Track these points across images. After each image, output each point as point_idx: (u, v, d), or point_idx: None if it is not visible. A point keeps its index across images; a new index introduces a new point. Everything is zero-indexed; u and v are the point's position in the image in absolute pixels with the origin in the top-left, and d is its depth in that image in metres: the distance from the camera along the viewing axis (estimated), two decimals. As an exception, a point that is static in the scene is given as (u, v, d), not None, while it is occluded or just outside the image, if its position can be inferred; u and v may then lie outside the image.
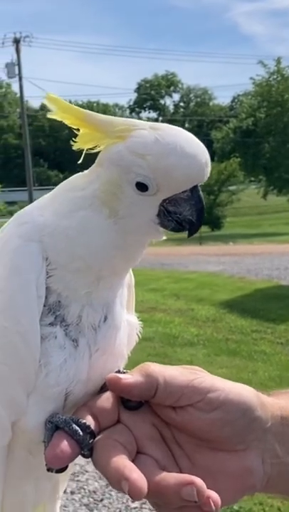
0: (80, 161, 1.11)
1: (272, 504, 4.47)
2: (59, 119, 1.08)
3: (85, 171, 1.11)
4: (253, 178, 43.81)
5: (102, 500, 4.57)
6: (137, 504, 4.40)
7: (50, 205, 1.10)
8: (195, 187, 1.04)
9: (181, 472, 1.00)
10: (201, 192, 1.06)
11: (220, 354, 8.47)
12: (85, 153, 1.07)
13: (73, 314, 1.08)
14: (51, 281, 1.07)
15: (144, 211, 1.04)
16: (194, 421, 1.01)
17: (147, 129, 1.03)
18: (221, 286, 13.61)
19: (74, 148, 1.07)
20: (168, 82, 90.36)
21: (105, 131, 1.05)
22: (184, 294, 12.44)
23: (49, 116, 1.09)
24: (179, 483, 0.93)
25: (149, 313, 10.43)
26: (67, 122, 1.08)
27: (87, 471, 5.01)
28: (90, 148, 1.07)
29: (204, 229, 32.80)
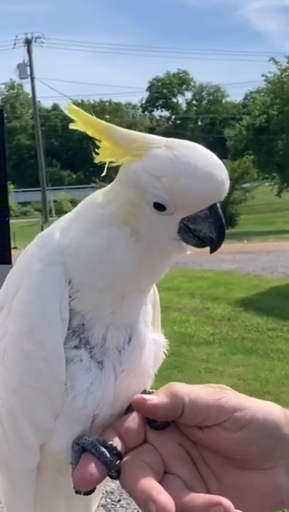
0: (103, 174, 1.11)
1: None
2: (82, 129, 1.07)
3: (105, 188, 1.10)
4: (266, 176, 43.66)
5: (119, 500, 4.56)
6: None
7: (72, 225, 1.09)
8: (214, 205, 1.02)
9: (208, 491, 0.99)
10: (219, 209, 1.04)
11: (236, 353, 8.44)
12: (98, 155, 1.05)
13: (97, 336, 1.07)
14: (75, 304, 1.06)
15: (164, 230, 1.03)
16: (221, 440, 0.99)
17: (162, 147, 1.02)
18: (236, 284, 13.55)
19: (95, 161, 1.06)
20: (180, 81, 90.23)
21: (124, 148, 1.04)
22: (199, 292, 12.41)
23: (72, 127, 1.08)
24: (206, 503, 0.92)
25: (164, 313, 10.18)
26: (88, 134, 1.07)
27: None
28: (111, 162, 1.06)
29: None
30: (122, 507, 4.48)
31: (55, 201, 47.66)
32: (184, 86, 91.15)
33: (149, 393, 1.08)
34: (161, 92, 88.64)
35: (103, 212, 1.05)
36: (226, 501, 0.92)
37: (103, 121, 1.07)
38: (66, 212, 1.18)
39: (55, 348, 1.04)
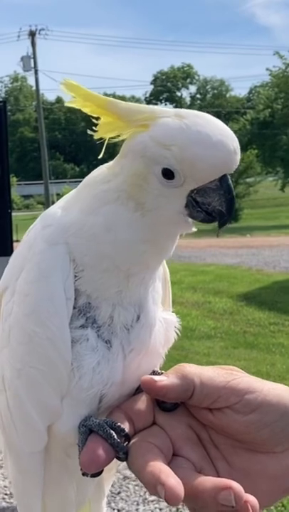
0: (100, 155, 1.07)
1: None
2: (78, 107, 1.04)
3: (109, 163, 1.07)
4: (270, 170, 43.57)
5: (119, 493, 4.57)
6: (154, 497, 4.39)
7: (75, 203, 1.07)
8: (224, 176, 0.99)
9: (218, 474, 0.98)
10: (230, 181, 1.00)
11: (237, 347, 8.44)
12: (105, 147, 1.03)
13: (104, 315, 1.05)
14: (79, 283, 1.04)
15: (171, 203, 1.00)
16: (231, 423, 0.98)
17: (172, 116, 0.99)
18: (239, 278, 13.54)
19: (95, 137, 1.03)
20: (184, 74, 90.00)
21: (128, 120, 1.01)
22: (202, 286, 12.40)
23: (68, 104, 1.05)
24: (215, 487, 0.90)
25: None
26: (86, 111, 1.04)
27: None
28: (112, 138, 1.03)
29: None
30: (122, 499, 4.49)
31: (58, 194, 47.54)
32: (188, 80, 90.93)
33: (159, 374, 1.06)
34: (165, 85, 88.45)
35: (107, 187, 1.03)
36: (236, 485, 0.90)
37: (103, 96, 1.04)
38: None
39: (60, 328, 1.02)
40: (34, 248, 1.07)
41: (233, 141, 0.98)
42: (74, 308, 1.04)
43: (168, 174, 0.98)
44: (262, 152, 39.69)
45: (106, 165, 1.07)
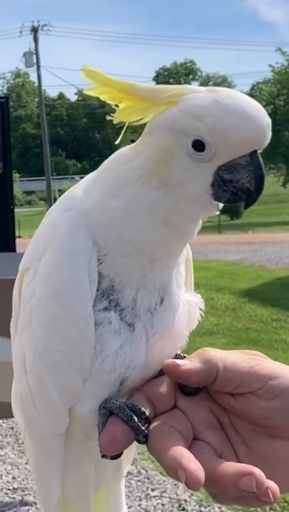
0: (118, 141, 1.07)
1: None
2: (97, 94, 1.03)
3: (131, 145, 1.05)
4: (272, 166, 43.50)
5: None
6: (157, 493, 4.41)
7: (95, 185, 1.06)
8: (254, 152, 0.98)
9: (238, 459, 0.97)
10: (260, 158, 0.99)
11: (240, 343, 8.44)
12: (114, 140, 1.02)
13: (128, 298, 1.04)
14: (102, 267, 1.03)
15: (197, 179, 0.98)
16: (254, 408, 0.97)
17: (203, 92, 0.98)
18: (241, 275, 13.55)
19: (115, 122, 1.02)
20: (187, 70, 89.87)
21: (153, 100, 1.00)
22: (204, 283, 12.39)
23: (87, 92, 1.04)
24: (237, 473, 0.90)
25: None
26: (105, 97, 1.03)
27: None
28: (133, 122, 1.02)
29: (223, 217, 32.67)
30: (125, 495, 4.50)
31: (60, 190, 47.56)
32: (191, 76, 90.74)
33: (182, 357, 1.05)
34: (167, 81, 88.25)
35: (129, 167, 1.01)
36: (257, 471, 0.89)
37: (122, 80, 1.03)
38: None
39: (83, 310, 1.01)
40: (57, 230, 1.05)
41: (266, 117, 0.97)
42: (97, 290, 1.03)
43: (198, 146, 0.96)
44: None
45: (128, 146, 1.06)
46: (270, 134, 0.98)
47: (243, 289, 11.78)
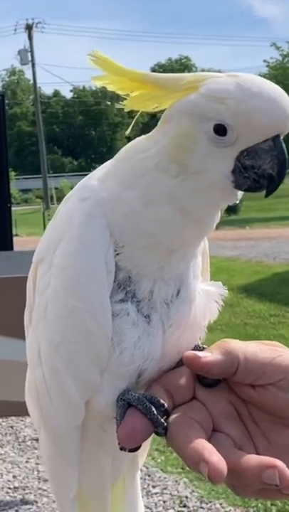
0: (128, 132, 1.06)
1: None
2: (106, 84, 1.01)
3: (148, 134, 1.03)
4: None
5: (122, 485, 4.58)
6: (158, 490, 4.41)
7: (112, 175, 1.04)
8: (277, 137, 0.96)
9: (257, 450, 0.97)
10: (283, 144, 0.96)
11: (238, 339, 8.38)
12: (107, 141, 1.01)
13: (144, 290, 1.02)
14: (119, 259, 1.01)
15: (218, 165, 0.96)
16: (274, 400, 0.96)
17: (224, 76, 0.97)
18: (238, 270, 13.54)
19: (126, 109, 1.00)
20: (182, 67, 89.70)
21: (171, 87, 0.98)
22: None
23: (94, 81, 1.02)
24: (260, 465, 0.89)
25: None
26: (114, 87, 1.01)
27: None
28: (144, 111, 1.02)
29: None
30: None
31: (56, 188, 47.51)
32: (186, 72, 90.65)
33: (202, 349, 1.04)
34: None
35: (146, 155, 0.99)
36: (280, 464, 0.89)
37: (134, 69, 1.01)
38: (68, 200, 1.13)
39: (101, 301, 0.99)
40: (73, 220, 1.03)
41: None
42: (114, 281, 1.01)
43: (220, 131, 0.94)
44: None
45: (143, 136, 1.04)
46: None
47: (240, 285, 11.77)
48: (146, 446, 1.23)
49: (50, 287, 1.05)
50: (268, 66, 40.80)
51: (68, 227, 1.03)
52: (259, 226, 25.58)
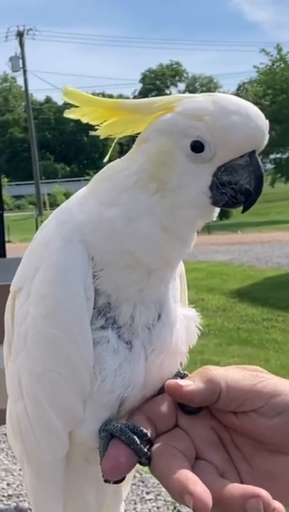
0: (106, 159, 1.06)
1: None
2: (78, 117, 1.02)
3: (126, 155, 1.04)
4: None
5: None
6: (151, 496, 4.40)
7: (91, 197, 1.04)
8: (253, 152, 0.98)
9: (239, 476, 0.97)
10: (259, 159, 0.98)
11: (231, 343, 8.45)
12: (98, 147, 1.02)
13: (125, 315, 1.02)
14: (99, 283, 1.01)
15: (195, 182, 0.97)
16: (256, 426, 0.96)
17: (200, 96, 0.99)
18: (231, 275, 13.56)
19: (101, 136, 1.02)
20: (173, 72, 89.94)
21: (146, 110, 1.00)
22: (194, 284, 12.39)
23: (68, 115, 1.03)
24: (244, 495, 0.89)
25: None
26: (88, 118, 1.02)
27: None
28: (120, 135, 1.03)
29: (212, 218, 32.40)
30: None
31: (49, 194, 47.50)
32: (177, 77, 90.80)
33: (183, 376, 1.04)
34: (154, 83, 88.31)
35: (126, 174, 1.00)
36: (264, 493, 0.88)
37: (106, 98, 1.03)
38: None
39: (81, 329, 0.98)
40: (50, 246, 1.02)
41: (264, 119, 0.98)
42: (93, 308, 1.00)
43: (197, 148, 0.96)
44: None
45: (120, 158, 1.05)
46: (267, 136, 0.98)
47: (233, 289, 11.79)
48: (130, 477, 1.22)
49: (29, 316, 1.04)
50: (257, 72, 40.91)
51: (46, 253, 1.03)
52: (251, 230, 25.62)
